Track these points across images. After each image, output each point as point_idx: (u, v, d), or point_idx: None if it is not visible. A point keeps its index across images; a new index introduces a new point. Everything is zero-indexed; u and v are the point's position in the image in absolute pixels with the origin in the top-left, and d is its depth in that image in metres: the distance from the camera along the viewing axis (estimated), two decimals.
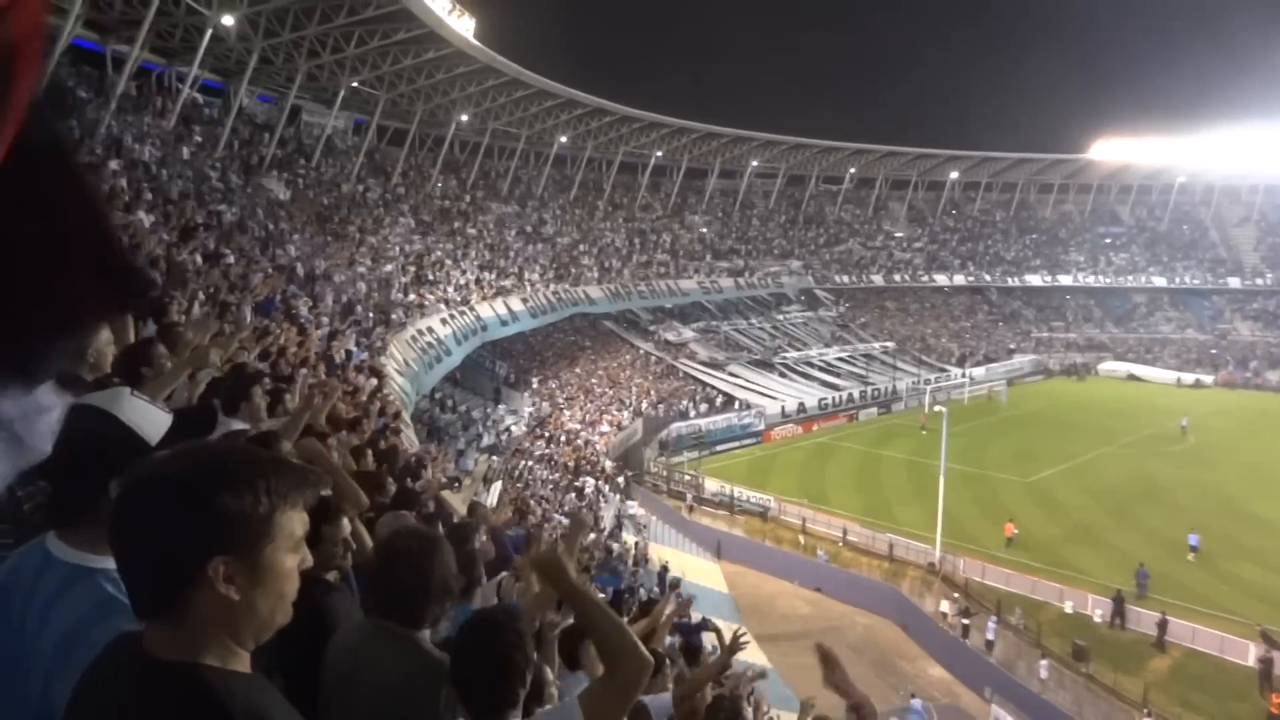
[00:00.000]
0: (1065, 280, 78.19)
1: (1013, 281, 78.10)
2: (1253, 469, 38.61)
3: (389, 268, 37.16)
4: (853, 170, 78.01)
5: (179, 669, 1.18)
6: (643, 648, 2.20)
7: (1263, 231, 78.28)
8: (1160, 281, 76.87)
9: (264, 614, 1.25)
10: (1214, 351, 68.57)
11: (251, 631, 1.26)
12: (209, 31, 30.70)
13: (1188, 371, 64.90)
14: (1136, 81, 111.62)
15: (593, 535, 27.91)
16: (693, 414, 46.03)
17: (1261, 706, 20.40)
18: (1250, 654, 22.29)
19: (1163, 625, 23.61)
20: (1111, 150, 75.80)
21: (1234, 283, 74.94)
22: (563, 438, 41.69)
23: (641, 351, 54.10)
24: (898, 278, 75.70)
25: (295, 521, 1.27)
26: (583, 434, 42.49)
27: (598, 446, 41.31)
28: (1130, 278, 77.66)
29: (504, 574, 5.18)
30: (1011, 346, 70.91)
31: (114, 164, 20.15)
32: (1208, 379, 63.33)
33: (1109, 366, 67.90)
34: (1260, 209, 78.78)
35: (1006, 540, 29.87)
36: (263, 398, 4.44)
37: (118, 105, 26.57)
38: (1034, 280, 78.25)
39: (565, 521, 28.99)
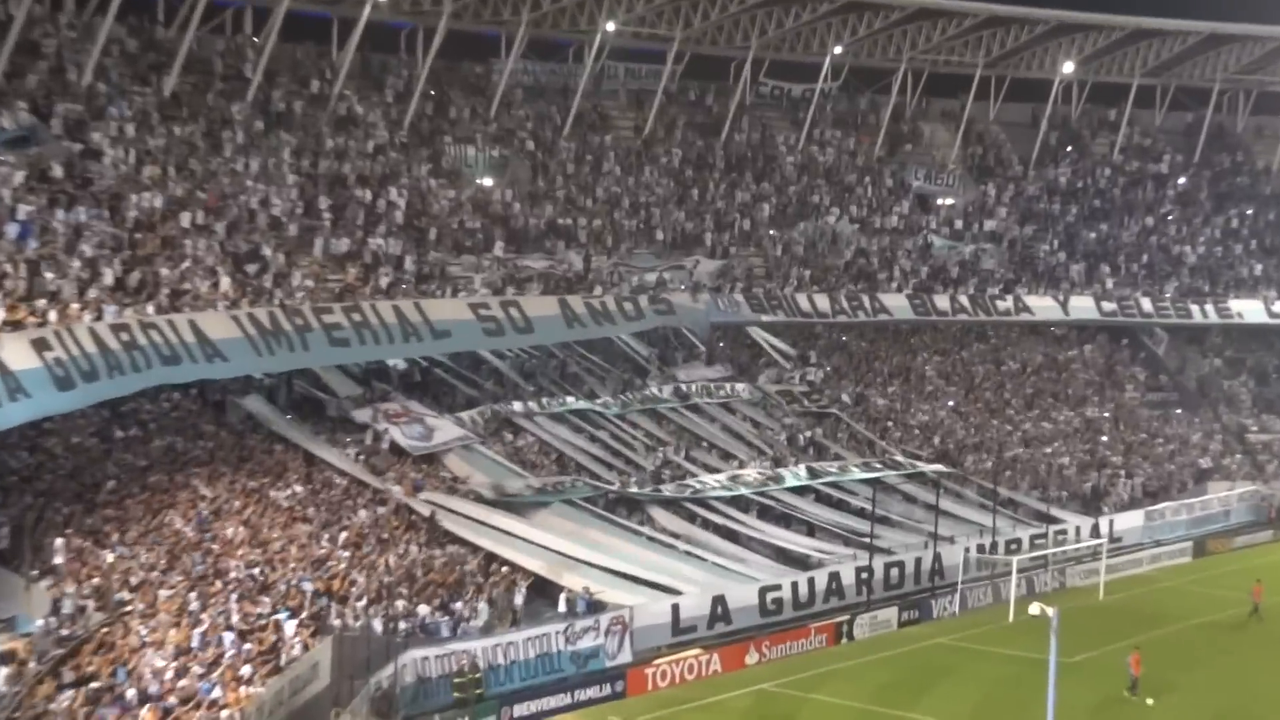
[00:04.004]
0: None
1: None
2: None
3: None
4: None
5: None
6: None
7: None
8: None
9: None
10: None
11: None
12: None
13: None
14: None
15: None
16: (454, 626, 30.45)
17: None
18: None
19: None
20: None
21: None
22: (130, 691, 24.85)
23: (328, 475, 34.46)
24: (965, 299, 56.12)
25: None
26: (181, 680, 25.50)
27: (222, 715, 24.96)
28: None
29: None
30: (1205, 463, 52.36)
31: None
32: None
33: None
34: None
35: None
36: None
37: None
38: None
39: None
